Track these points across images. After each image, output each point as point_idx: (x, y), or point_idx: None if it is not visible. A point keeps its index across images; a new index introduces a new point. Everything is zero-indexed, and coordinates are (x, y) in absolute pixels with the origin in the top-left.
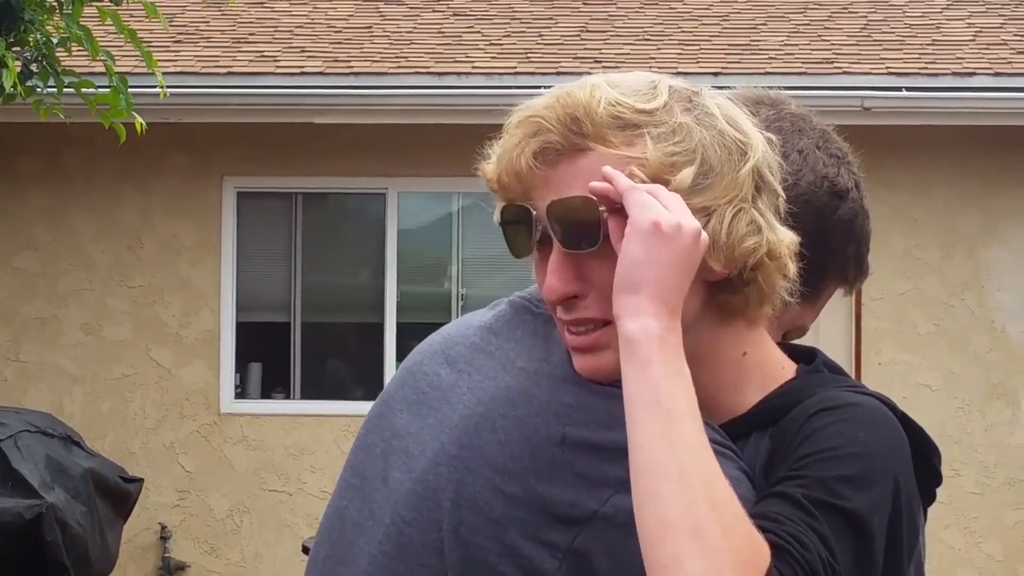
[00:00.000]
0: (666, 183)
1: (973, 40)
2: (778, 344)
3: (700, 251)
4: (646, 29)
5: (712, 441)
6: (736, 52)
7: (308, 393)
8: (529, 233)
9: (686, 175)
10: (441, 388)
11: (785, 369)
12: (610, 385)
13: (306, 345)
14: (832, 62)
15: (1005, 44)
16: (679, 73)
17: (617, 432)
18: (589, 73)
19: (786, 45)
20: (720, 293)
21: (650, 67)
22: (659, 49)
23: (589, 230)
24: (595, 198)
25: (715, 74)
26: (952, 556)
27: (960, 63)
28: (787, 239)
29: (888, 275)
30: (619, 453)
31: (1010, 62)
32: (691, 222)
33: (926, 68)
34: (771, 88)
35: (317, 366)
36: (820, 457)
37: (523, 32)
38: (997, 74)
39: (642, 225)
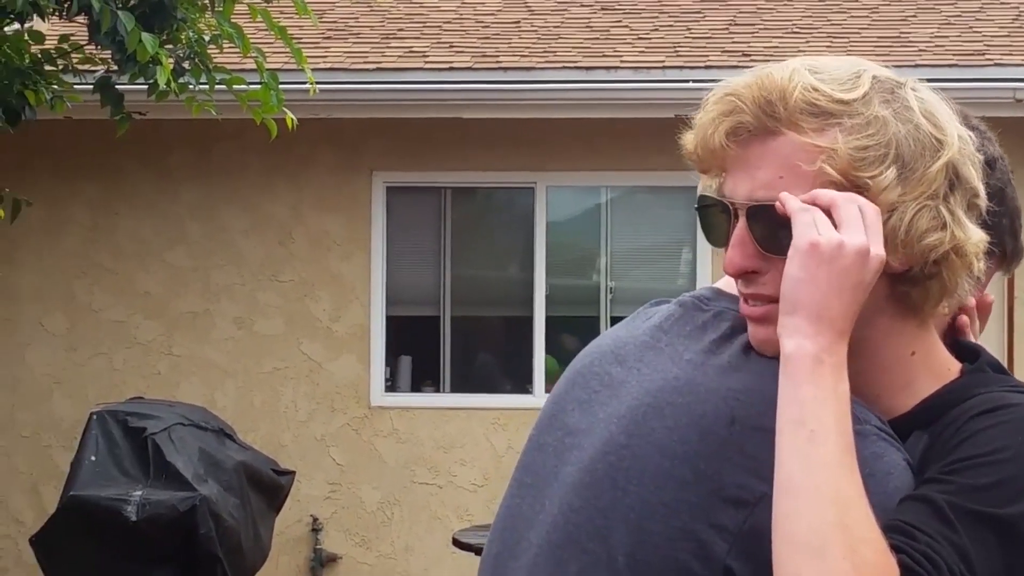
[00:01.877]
0: (856, 179)
1: None
2: (944, 339)
3: (870, 270)
4: (795, 22)
5: (877, 429)
6: (886, 44)
7: (457, 386)
8: (727, 225)
9: (887, 175)
10: (612, 385)
11: (951, 370)
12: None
13: (455, 339)
14: (983, 54)
15: None
16: None
17: None
18: (738, 68)
19: (936, 37)
20: (901, 285)
21: None
22: (808, 42)
23: (787, 238)
24: None
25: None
26: None
27: None
28: (975, 237)
29: None
30: None
31: None
32: (857, 240)
33: None
34: (923, 80)
35: (466, 360)
36: (973, 462)
37: (671, 26)
38: None
39: (800, 245)
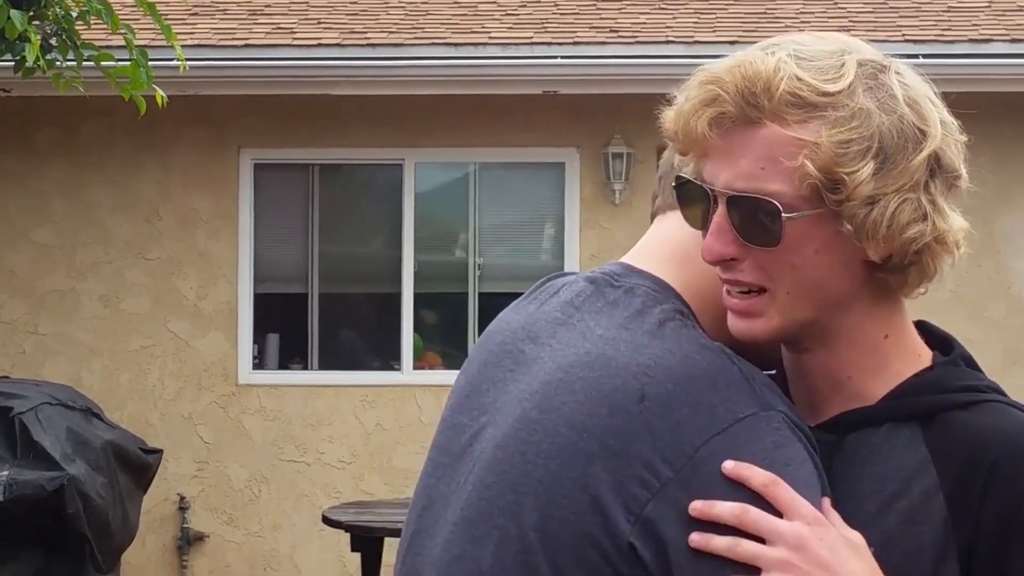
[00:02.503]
0: (835, 174)
1: (989, 6)
2: (917, 327)
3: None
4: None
5: (784, 416)
6: (752, 20)
7: (326, 364)
8: (706, 209)
9: (865, 171)
10: (525, 363)
11: (922, 356)
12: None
13: (323, 316)
14: (848, 30)
15: (1021, 10)
16: (696, 42)
17: (698, 394)
18: (605, 44)
19: (802, 13)
20: (879, 272)
21: (667, 37)
22: (675, 18)
23: (769, 231)
24: (778, 204)
25: (731, 43)
26: None
27: (976, 30)
28: (956, 225)
29: None
30: (696, 409)
31: None
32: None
33: (943, 35)
34: None
35: (334, 337)
36: None
37: (539, 2)
38: (1014, 40)
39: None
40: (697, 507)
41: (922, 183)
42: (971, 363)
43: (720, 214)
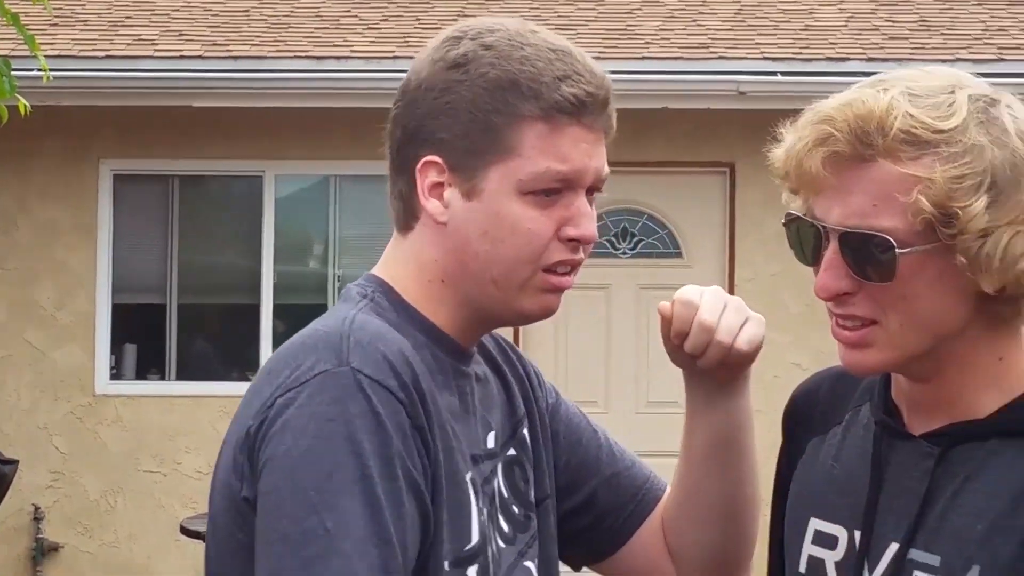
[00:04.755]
0: (948, 208)
1: (846, 25)
2: None
3: None
4: (523, 14)
5: (365, 377)
6: (613, 37)
7: (184, 374)
8: (817, 246)
9: (978, 205)
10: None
11: None
12: None
13: (182, 326)
14: (708, 47)
15: (877, 29)
16: None
17: (297, 356)
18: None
19: (662, 30)
20: (991, 304)
21: None
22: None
23: (883, 266)
24: (892, 240)
25: (593, 58)
26: None
27: (833, 48)
28: None
29: (761, 257)
30: (289, 368)
31: (882, 47)
32: None
33: (800, 53)
34: (650, 73)
35: (193, 347)
36: None
37: (400, 16)
38: (870, 59)
39: None
40: None
41: None
42: None
43: (833, 250)
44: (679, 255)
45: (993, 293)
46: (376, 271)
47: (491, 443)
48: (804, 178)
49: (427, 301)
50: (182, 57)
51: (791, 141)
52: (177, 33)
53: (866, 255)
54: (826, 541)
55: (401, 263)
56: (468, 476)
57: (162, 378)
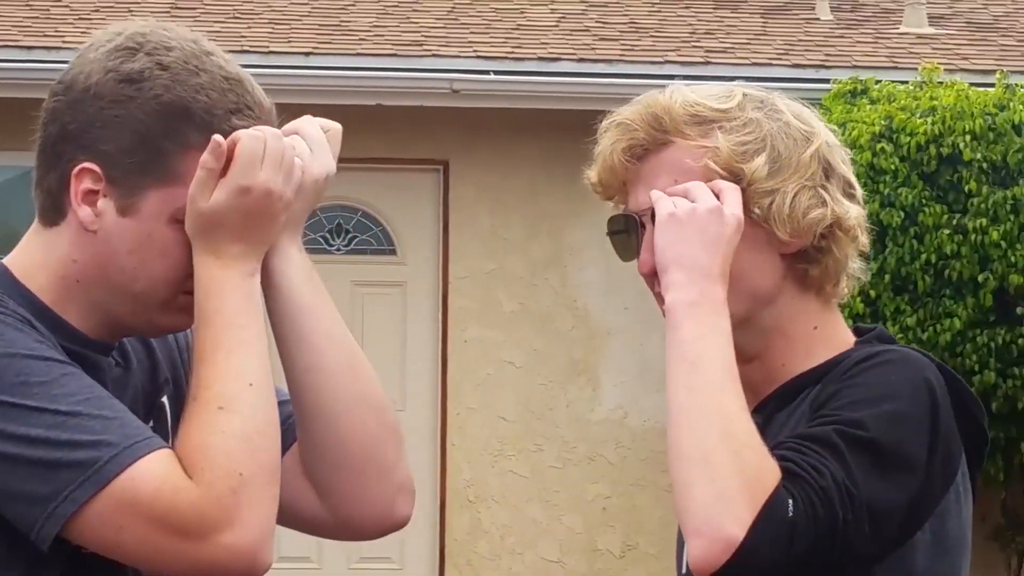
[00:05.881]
0: (737, 170)
1: (557, 25)
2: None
3: (728, 225)
4: (236, 7)
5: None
6: (327, 32)
7: None
8: (636, 237)
9: (759, 162)
10: None
11: (847, 343)
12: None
13: None
14: (421, 44)
15: (588, 30)
16: (271, 52)
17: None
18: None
19: (376, 26)
20: (798, 263)
21: (241, 46)
22: (250, 28)
23: None
24: None
25: (307, 54)
26: (535, 529)
27: (545, 48)
28: (854, 212)
29: (474, 254)
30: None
31: (593, 48)
32: (707, 203)
33: (513, 52)
34: (364, 69)
35: None
36: (852, 399)
37: (112, 7)
38: (581, 59)
39: (661, 217)
40: None
41: (818, 177)
42: (889, 340)
43: (649, 232)
44: (393, 252)
45: (793, 250)
46: (7, 259)
47: None
48: (611, 172)
49: (58, 296)
50: None
51: (598, 149)
52: None
53: None
54: None
55: (38, 253)
56: None
57: None
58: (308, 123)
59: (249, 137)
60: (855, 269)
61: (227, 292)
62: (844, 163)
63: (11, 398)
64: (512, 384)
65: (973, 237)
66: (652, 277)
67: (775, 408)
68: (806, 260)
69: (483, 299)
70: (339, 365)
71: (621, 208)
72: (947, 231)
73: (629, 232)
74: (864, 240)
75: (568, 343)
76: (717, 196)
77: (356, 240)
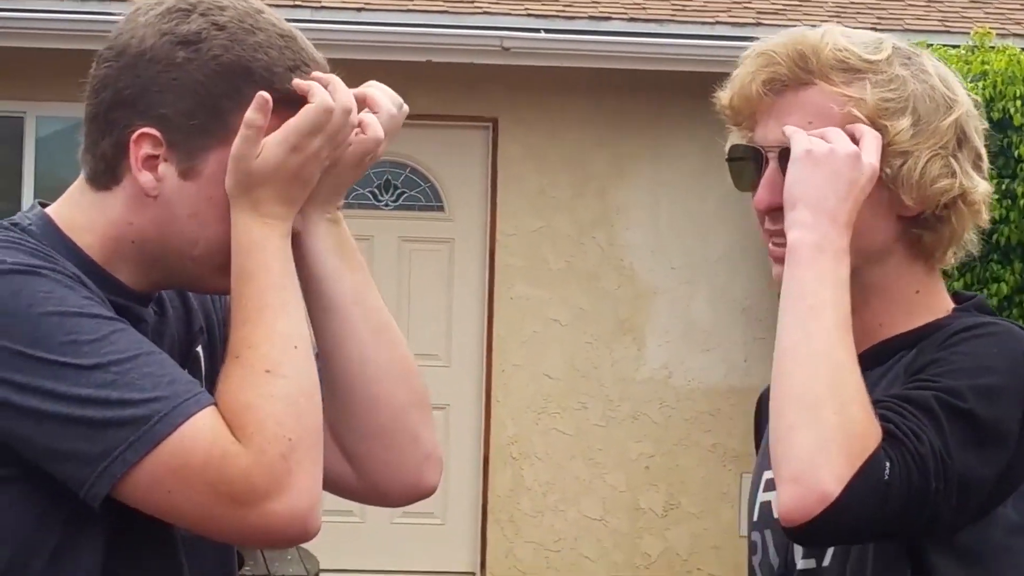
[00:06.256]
0: (879, 125)
1: None
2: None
3: (862, 173)
4: None
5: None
6: None
7: None
8: (757, 169)
9: (904, 124)
10: None
11: (947, 310)
12: None
13: None
14: (473, 1)
15: None
16: (322, 7)
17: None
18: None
19: None
20: (913, 227)
21: (293, 1)
22: None
23: None
24: None
25: (358, 9)
26: (577, 486)
27: (596, 7)
28: (982, 187)
29: (521, 212)
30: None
31: (644, 7)
32: (846, 147)
33: (564, 11)
34: (414, 26)
35: None
36: (952, 368)
37: None
38: (632, 19)
39: (797, 153)
40: None
41: (951, 147)
42: (986, 309)
43: (771, 168)
44: (441, 208)
45: (912, 214)
46: (52, 209)
47: None
48: (746, 100)
49: (110, 255)
50: None
51: (736, 74)
52: None
53: None
54: (773, 485)
55: (89, 212)
56: None
57: None
58: (384, 96)
59: (320, 101)
60: (967, 240)
61: (269, 252)
62: (978, 133)
63: (62, 357)
64: (558, 342)
65: (1022, 202)
66: (765, 214)
67: (867, 366)
68: (923, 226)
69: (530, 257)
70: (369, 332)
71: (747, 137)
72: (996, 196)
73: (750, 163)
74: (985, 217)
75: (614, 302)
76: (856, 142)
77: (404, 196)
